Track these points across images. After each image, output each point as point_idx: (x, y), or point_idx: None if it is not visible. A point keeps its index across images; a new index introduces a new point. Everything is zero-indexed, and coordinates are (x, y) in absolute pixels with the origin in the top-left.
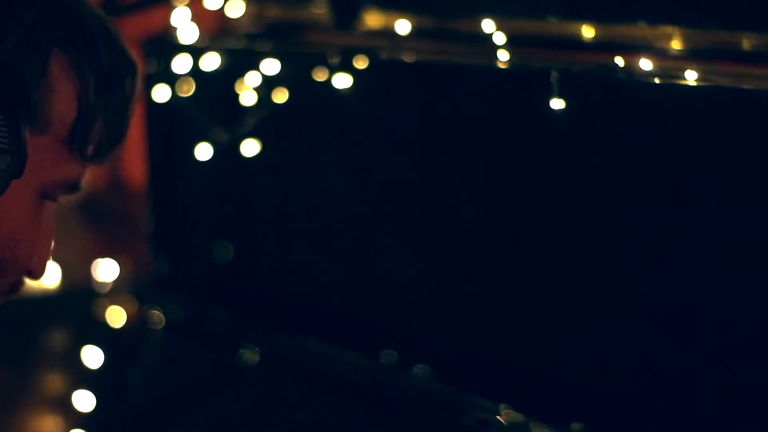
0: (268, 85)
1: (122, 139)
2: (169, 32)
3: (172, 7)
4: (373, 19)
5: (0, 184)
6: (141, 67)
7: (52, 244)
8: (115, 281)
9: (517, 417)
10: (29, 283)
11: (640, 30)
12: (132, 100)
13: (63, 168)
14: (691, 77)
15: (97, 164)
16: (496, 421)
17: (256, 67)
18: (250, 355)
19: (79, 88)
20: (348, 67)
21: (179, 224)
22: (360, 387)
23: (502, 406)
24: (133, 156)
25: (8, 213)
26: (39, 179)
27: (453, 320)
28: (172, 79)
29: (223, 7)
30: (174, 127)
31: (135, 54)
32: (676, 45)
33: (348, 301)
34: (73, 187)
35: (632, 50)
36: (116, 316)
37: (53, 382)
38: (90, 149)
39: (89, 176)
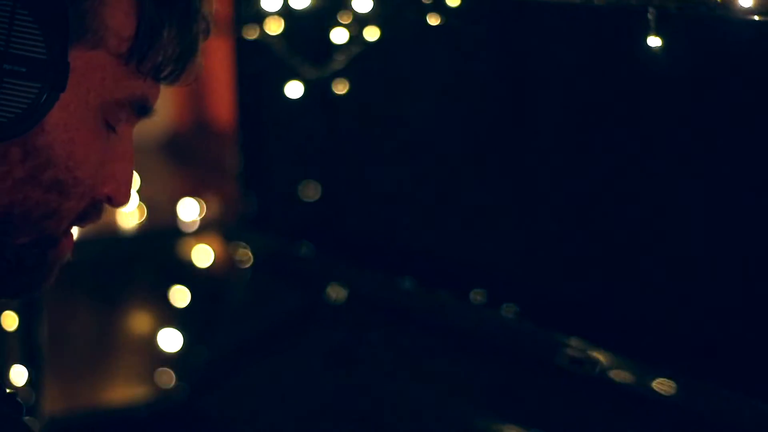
0: (359, 23)
1: (191, 58)
2: None
3: None
4: None
5: (45, 98)
6: None
7: (132, 170)
8: (202, 220)
9: (608, 356)
10: (117, 219)
11: None
12: (199, 17)
13: (125, 85)
14: None
15: (168, 84)
16: (591, 360)
17: (348, 5)
18: (338, 293)
19: (136, 1)
20: (440, 5)
21: (267, 162)
22: (449, 326)
23: (592, 346)
24: (220, 95)
25: (66, 131)
26: (98, 97)
27: (542, 259)
28: (261, 17)
29: None
30: (263, 65)
31: None
32: None
33: (436, 240)
34: (141, 107)
35: None
36: (203, 255)
37: (140, 321)
38: (150, 65)
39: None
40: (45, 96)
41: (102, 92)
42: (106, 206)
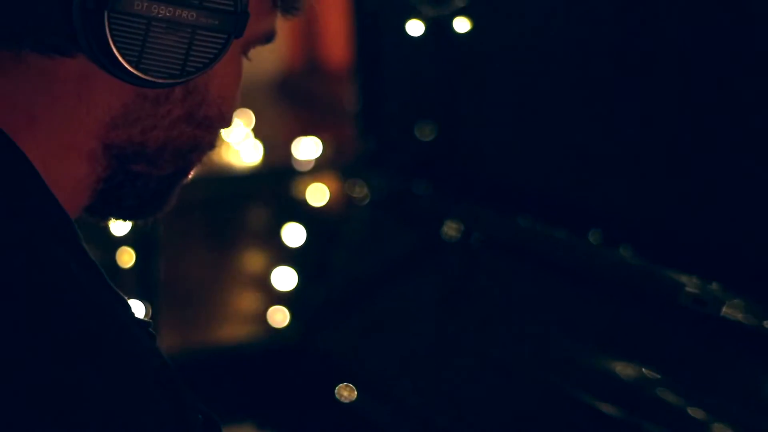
0: None
1: None
2: None
3: None
4: None
5: (224, 44)
6: None
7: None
8: (318, 159)
9: (729, 296)
10: (233, 158)
11: None
12: None
13: (265, 22)
14: None
15: (294, 15)
16: (714, 299)
17: None
18: (454, 231)
19: None
20: None
21: (384, 101)
22: (567, 265)
23: (713, 285)
24: (332, 35)
25: (219, 71)
26: (246, 34)
27: (659, 197)
28: None
29: None
30: (382, 3)
31: None
32: None
33: (553, 178)
34: (269, 39)
35: None
36: (318, 194)
37: (254, 259)
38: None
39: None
40: (225, 43)
41: (249, 30)
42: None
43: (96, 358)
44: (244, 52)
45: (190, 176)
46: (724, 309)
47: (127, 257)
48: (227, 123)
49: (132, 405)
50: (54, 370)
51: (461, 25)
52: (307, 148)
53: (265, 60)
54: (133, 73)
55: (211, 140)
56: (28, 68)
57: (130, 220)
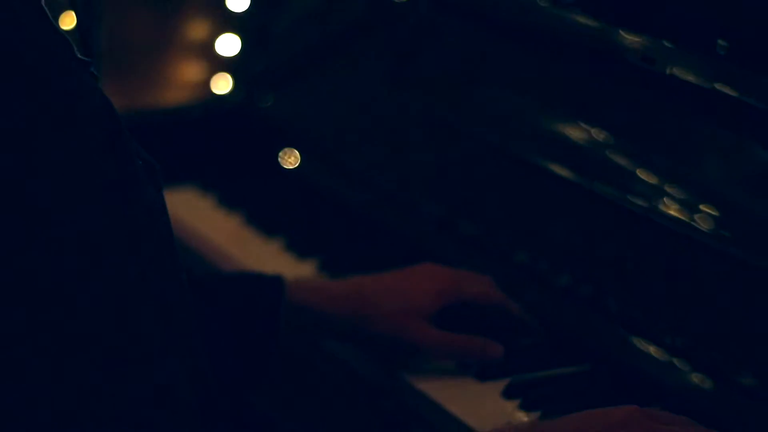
0: None
1: None
2: None
3: None
4: None
5: None
6: None
7: None
8: None
9: (677, 53)
10: None
11: None
12: None
13: None
14: None
15: None
16: (662, 57)
17: None
18: None
19: None
20: None
21: None
22: (515, 24)
23: (663, 42)
24: None
25: None
26: None
27: None
28: None
29: None
30: None
31: None
32: None
33: None
34: None
35: None
36: None
37: (198, 25)
38: None
39: None
40: None
41: None
42: None
43: (34, 94)
44: None
45: None
46: (671, 68)
47: (68, 20)
48: None
49: (69, 144)
50: None
51: None
52: None
53: None
54: None
55: None
56: None
57: None
